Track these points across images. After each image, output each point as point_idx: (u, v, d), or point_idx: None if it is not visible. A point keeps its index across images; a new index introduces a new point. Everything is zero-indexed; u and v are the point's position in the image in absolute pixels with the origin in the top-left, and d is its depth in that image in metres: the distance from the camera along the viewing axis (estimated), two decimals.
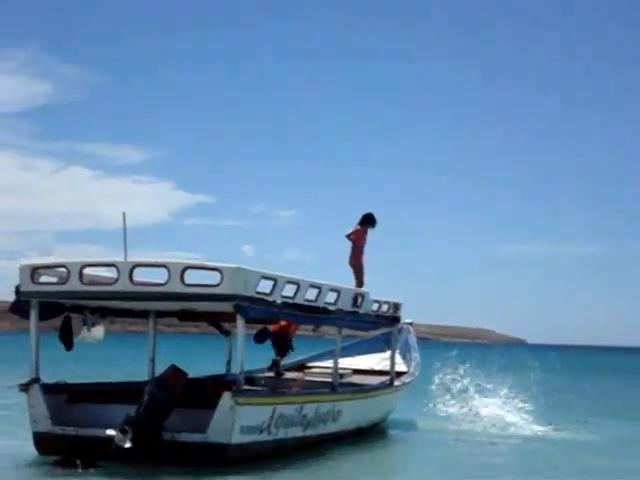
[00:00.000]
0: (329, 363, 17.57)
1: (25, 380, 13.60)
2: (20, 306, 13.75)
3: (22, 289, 13.56)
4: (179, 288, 12.83)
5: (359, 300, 16.35)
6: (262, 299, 13.28)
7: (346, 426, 16.20)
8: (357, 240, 17.86)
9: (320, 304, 14.90)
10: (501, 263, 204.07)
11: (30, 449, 13.50)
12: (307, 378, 18.32)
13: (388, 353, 19.02)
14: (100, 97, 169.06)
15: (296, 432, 14.35)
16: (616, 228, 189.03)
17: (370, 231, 18.11)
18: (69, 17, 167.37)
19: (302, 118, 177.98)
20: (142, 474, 12.09)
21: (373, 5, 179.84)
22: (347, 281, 17.40)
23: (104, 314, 15.10)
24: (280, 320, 16.44)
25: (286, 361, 19.25)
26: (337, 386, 15.91)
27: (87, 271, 13.50)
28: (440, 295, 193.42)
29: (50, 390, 13.71)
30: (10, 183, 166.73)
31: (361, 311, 16.47)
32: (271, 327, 17.58)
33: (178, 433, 12.75)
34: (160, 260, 13.27)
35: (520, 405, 20.74)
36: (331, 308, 15.25)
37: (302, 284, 14.33)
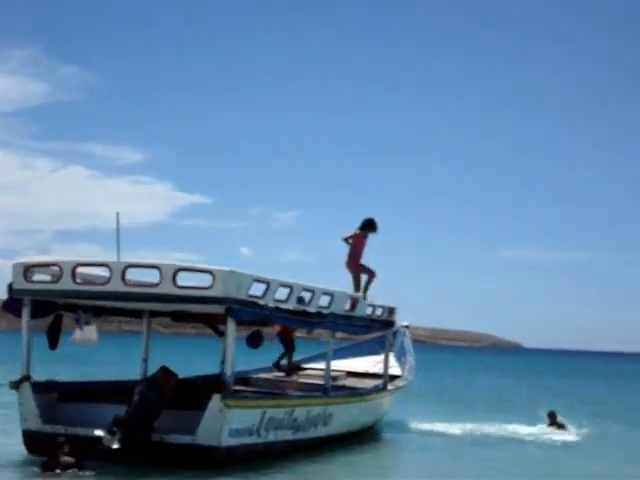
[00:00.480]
0: (324, 365, 17.56)
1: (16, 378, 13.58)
2: (13, 304, 13.72)
3: (15, 287, 13.55)
4: (171, 290, 12.83)
5: (353, 304, 16.34)
6: (254, 302, 13.27)
7: (337, 429, 16.18)
8: (356, 244, 17.75)
9: (313, 308, 14.89)
10: (501, 268, 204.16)
11: (21, 447, 13.49)
12: (301, 380, 18.33)
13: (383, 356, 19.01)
14: (99, 97, 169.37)
15: (286, 435, 14.34)
16: (610, 234, 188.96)
17: (372, 235, 18.02)
18: (69, 18, 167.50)
19: (302, 122, 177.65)
20: (131, 475, 12.08)
21: None
22: (346, 284, 17.48)
23: (97, 313, 15.09)
24: (272, 323, 16.42)
25: (284, 361, 19.35)
26: (329, 389, 15.89)
27: (82, 270, 13.50)
28: (440, 299, 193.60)
29: (40, 388, 13.69)
30: (9, 182, 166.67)
31: (355, 315, 16.44)
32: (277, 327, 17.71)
33: (167, 434, 12.74)
34: (153, 261, 13.26)
35: (512, 407, 20.87)
36: (324, 312, 15.22)
37: (295, 287, 14.30)
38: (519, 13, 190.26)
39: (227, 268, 12.86)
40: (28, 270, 13.52)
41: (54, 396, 13.97)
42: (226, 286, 12.71)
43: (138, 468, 12.33)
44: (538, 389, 31.49)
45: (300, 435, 14.76)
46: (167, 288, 12.83)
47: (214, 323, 17.60)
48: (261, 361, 19.89)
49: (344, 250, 17.82)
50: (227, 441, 12.80)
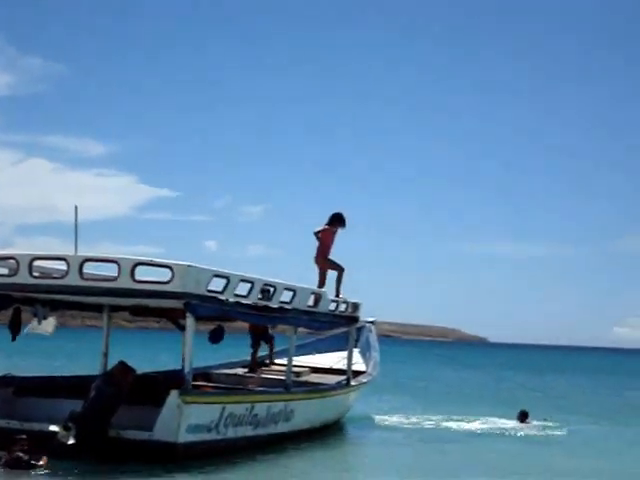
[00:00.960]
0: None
1: None
2: None
3: None
4: (129, 284, 12.70)
5: (316, 299, 16.24)
6: (213, 297, 13.15)
7: (299, 426, 16.08)
8: (324, 239, 17.70)
9: (275, 303, 14.77)
10: (467, 263, 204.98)
11: None
12: (264, 376, 18.21)
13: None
14: (62, 89, 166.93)
15: (246, 431, 14.22)
16: (578, 230, 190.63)
17: (341, 231, 17.95)
18: (32, 8, 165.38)
19: (270, 114, 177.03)
20: (86, 471, 11.88)
21: None
22: (315, 279, 17.51)
23: (55, 307, 14.89)
24: (233, 319, 16.28)
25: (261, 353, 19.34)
26: (291, 385, 15.80)
27: (40, 264, 13.31)
28: (406, 294, 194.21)
29: None
30: None
31: (318, 310, 16.35)
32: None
33: (124, 430, 12.59)
34: (111, 256, 13.10)
35: (478, 401, 20.97)
36: (287, 307, 15.11)
37: (256, 283, 14.18)
38: None
39: (185, 263, 12.73)
40: None
41: (10, 391, 13.83)
42: (184, 281, 12.58)
43: (93, 464, 12.12)
44: (503, 382, 31.81)
45: (260, 431, 14.64)
46: (125, 282, 12.69)
47: (175, 318, 17.40)
48: (227, 356, 19.79)
49: (314, 244, 17.76)
50: (185, 437, 12.67)
